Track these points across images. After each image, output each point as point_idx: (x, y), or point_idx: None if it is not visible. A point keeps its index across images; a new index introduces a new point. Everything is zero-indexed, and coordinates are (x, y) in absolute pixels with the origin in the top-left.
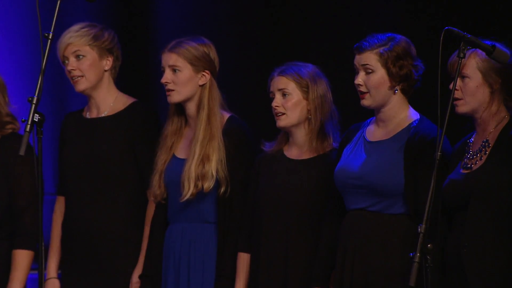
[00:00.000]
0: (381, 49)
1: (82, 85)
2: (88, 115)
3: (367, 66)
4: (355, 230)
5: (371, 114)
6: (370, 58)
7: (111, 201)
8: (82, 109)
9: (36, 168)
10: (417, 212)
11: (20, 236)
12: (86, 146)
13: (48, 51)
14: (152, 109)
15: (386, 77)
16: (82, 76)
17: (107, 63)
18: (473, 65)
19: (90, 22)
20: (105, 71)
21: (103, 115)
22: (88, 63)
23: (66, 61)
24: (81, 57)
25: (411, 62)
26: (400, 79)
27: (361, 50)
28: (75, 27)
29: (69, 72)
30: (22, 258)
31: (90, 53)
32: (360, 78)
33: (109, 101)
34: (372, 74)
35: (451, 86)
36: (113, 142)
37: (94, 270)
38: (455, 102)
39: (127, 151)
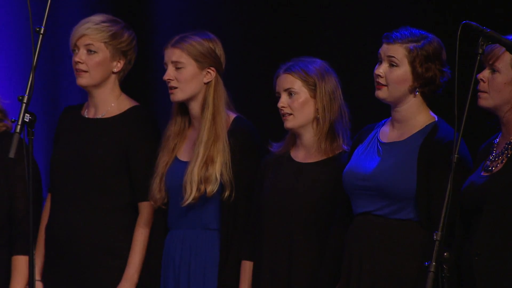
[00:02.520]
0: (411, 45)
1: (84, 80)
2: (85, 114)
3: (393, 58)
4: (361, 236)
5: (385, 112)
6: (398, 51)
7: (96, 208)
8: (82, 105)
9: (27, 171)
10: (428, 218)
11: (20, 241)
12: (77, 147)
13: (40, 46)
14: (151, 115)
15: (409, 75)
16: (87, 71)
17: (118, 65)
18: (507, 60)
19: (113, 17)
20: (113, 72)
21: (100, 116)
22: (97, 60)
23: (76, 51)
24: (92, 52)
25: (439, 67)
26: (424, 82)
27: (390, 41)
28: (96, 18)
29: (75, 63)
30: (22, 264)
31: (102, 51)
32: (382, 69)
33: (109, 102)
34: (396, 68)
35: (478, 76)
36: (105, 147)
37: (76, 280)
38: (479, 94)
39: (119, 158)
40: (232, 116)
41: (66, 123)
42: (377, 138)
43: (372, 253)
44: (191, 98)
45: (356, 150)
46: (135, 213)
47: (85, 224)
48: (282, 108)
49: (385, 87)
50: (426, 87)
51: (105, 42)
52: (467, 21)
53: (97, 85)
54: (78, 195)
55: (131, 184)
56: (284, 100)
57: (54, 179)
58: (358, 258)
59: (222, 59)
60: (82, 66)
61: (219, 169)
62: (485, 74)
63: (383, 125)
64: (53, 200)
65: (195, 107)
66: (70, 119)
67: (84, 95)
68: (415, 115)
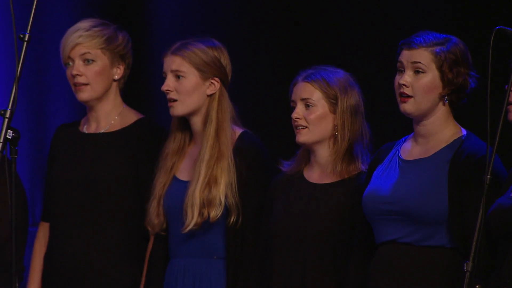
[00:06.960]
0: (437, 48)
1: (85, 94)
2: (85, 129)
3: (419, 64)
4: (387, 269)
5: (407, 132)
6: (423, 56)
7: (104, 233)
8: (78, 121)
9: (9, 195)
10: (465, 243)
11: (4, 272)
12: (78, 166)
13: (24, 55)
14: (161, 128)
15: (438, 81)
16: (87, 84)
17: (118, 71)
18: None
19: (101, 19)
20: (114, 80)
21: (102, 131)
22: (97, 69)
23: (70, 63)
24: (90, 61)
25: (467, 71)
26: (455, 88)
27: (413, 46)
28: (85, 24)
29: (73, 77)
30: None
31: (101, 59)
32: (406, 77)
33: (112, 115)
34: (423, 75)
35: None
36: (112, 164)
37: None
38: (508, 107)
39: (128, 176)
40: (238, 131)
41: (63, 142)
42: (398, 156)
43: (400, 286)
44: (193, 112)
45: (375, 172)
46: (144, 239)
47: (91, 252)
48: (296, 119)
49: (412, 99)
50: (455, 94)
51: (101, 48)
52: (501, 27)
53: (100, 98)
54: (82, 220)
55: (140, 207)
56: (299, 111)
57: (53, 205)
58: None
59: (228, 69)
60: (81, 79)
61: (223, 190)
62: None
63: (403, 142)
64: (52, 228)
65: (197, 122)
66: (66, 138)
67: (73, 109)
68: (442, 128)
